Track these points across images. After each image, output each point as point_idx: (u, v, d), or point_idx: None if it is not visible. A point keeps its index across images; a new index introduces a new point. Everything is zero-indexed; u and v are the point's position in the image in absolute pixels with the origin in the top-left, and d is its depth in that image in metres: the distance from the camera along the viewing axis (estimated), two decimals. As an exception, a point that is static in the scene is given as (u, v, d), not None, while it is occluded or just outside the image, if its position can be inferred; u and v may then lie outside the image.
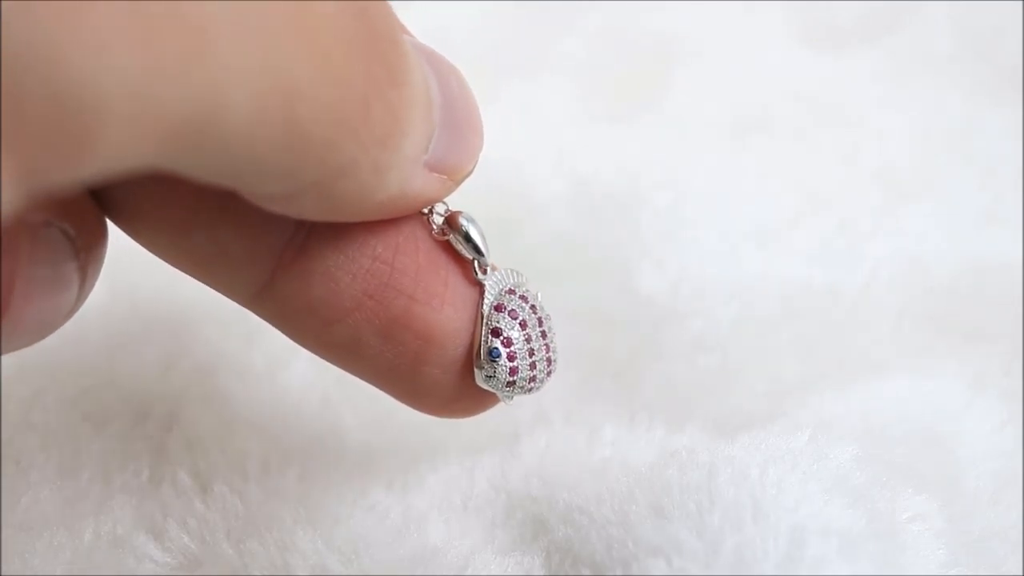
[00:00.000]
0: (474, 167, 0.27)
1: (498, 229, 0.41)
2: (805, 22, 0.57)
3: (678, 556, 0.26)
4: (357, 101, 0.21)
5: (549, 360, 0.29)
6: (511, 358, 0.28)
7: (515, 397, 0.29)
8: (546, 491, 0.34)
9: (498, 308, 0.28)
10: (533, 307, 0.29)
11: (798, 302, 0.41)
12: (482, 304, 0.28)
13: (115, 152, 0.17)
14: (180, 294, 0.38)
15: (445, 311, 0.27)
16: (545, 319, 0.29)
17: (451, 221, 0.27)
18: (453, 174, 0.26)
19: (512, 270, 0.29)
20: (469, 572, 0.30)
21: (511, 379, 0.28)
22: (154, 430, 0.35)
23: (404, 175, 0.24)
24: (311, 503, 0.33)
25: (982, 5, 0.56)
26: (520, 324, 0.28)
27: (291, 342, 0.38)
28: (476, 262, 0.27)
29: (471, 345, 0.28)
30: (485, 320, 0.27)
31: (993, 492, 0.35)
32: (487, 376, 0.28)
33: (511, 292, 0.28)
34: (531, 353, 0.28)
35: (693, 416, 0.38)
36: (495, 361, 0.27)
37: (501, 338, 0.28)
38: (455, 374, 0.28)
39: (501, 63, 0.51)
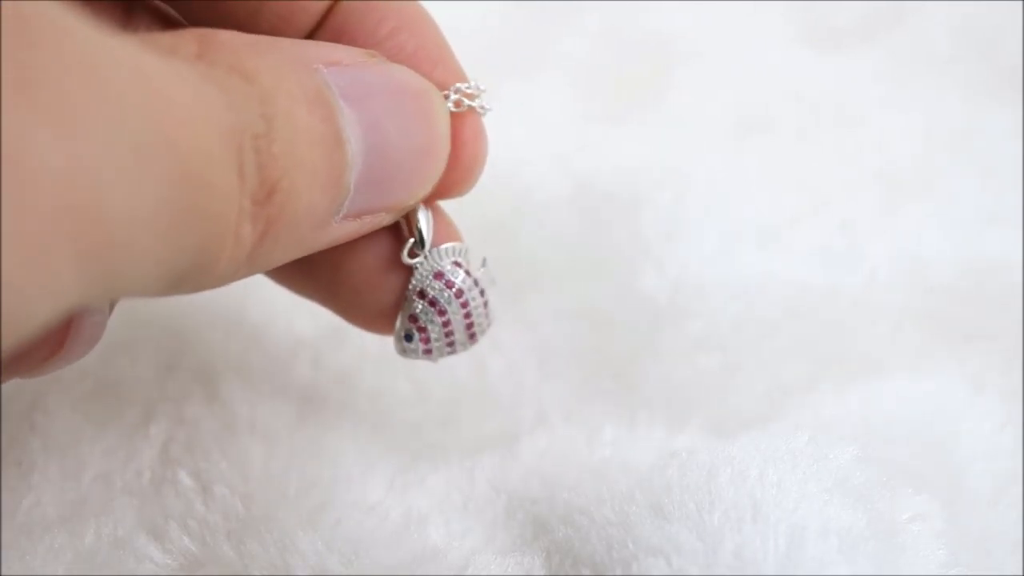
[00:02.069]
0: (427, 190, 0.28)
1: (498, 229, 0.42)
2: (806, 22, 0.57)
3: (678, 556, 0.26)
4: (227, 236, 0.22)
5: (470, 328, 0.31)
6: (425, 341, 0.31)
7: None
8: (546, 491, 0.34)
9: (421, 294, 0.30)
10: (459, 292, 0.30)
11: (798, 302, 0.41)
12: (408, 286, 0.30)
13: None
14: (180, 296, 0.38)
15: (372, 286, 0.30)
16: (468, 292, 0.31)
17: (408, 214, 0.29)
18: (390, 210, 0.27)
19: (455, 247, 0.30)
20: (469, 572, 0.30)
21: (427, 348, 0.31)
22: (155, 432, 0.35)
23: (305, 244, 0.25)
24: (311, 504, 0.33)
25: (983, 5, 0.56)
26: (439, 312, 0.30)
27: (292, 343, 0.39)
28: (408, 246, 0.29)
29: (395, 305, 0.30)
30: (406, 303, 0.30)
31: (993, 492, 0.35)
32: (405, 350, 0.31)
33: (438, 276, 0.30)
34: (448, 334, 0.31)
35: (693, 416, 0.38)
36: (409, 342, 0.31)
37: (417, 325, 0.30)
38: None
39: (500, 63, 0.51)
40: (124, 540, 0.32)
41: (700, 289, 0.40)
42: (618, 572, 0.27)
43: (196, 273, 0.22)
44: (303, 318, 0.39)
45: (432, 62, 0.28)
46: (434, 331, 0.30)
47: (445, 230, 0.30)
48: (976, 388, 0.39)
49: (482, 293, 0.31)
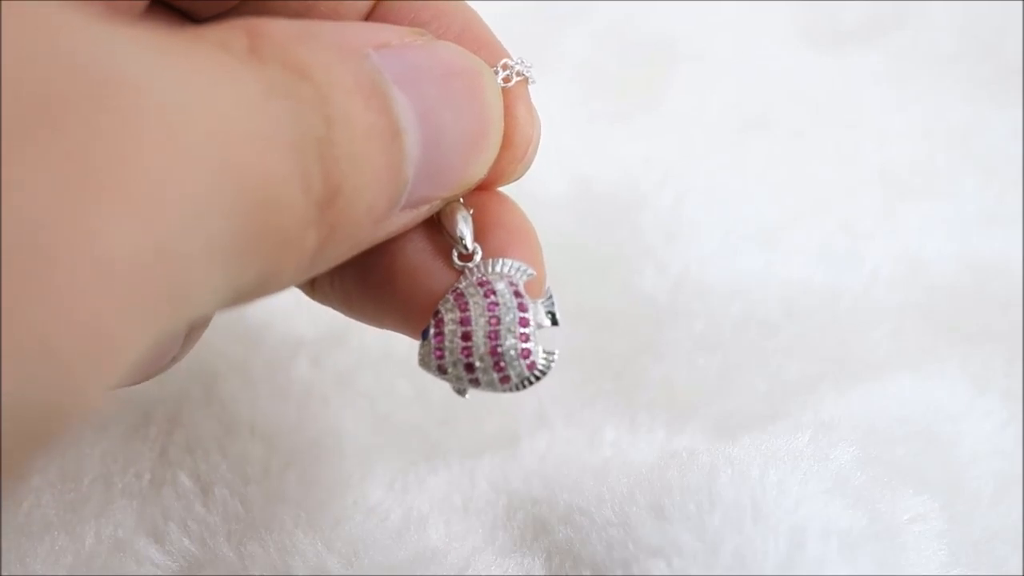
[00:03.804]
0: (482, 173, 0.27)
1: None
2: (807, 22, 0.57)
3: (678, 557, 0.26)
4: (292, 246, 0.22)
5: (494, 339, 0.27)
6: (438, 340, 0.27)
7: (468, 389, 0.28)
8: (547, 492, 0.34)
9: (454, 290, 0.27)
10: (494, 304, 0.27)
11: (799, 302, 0.41)
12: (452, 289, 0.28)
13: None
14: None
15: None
16: (504, 303, 0.27)
17: (442, 215, 0.27)
18: (449, 196, 0.26)
19: (513, 264, 0.28)
20: (470, 573, 0.30)
21: (439, 363, 0.27)
22: (155, 433, 0.35)
23: (365, 239, 0.24)
24: (311, 505, 0.33)
25: (984, 5, 0.56)
26: (460, 307, 0.27)
27: (292, 344, 0.39)
28: (456, 251, 0.28)
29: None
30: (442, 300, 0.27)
31: (994, 492, 0.35)
32: (420, 354, 0.27)
33: (482, 283, 0.27)
34: (465, 336, 0.27)
35: (694, 417, 0.38)
36: (423, 339, 0.27)
37: (436, 318, 0.27)
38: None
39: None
40: (124, 542, 0.32)
41: (701, 289, 0.40)
42: (618, 573, 0.27)
43: (260, 287, 0.22)
44: (303, 318, 0.39)
45: (477, 43, 0.28)
46: (450, 325, 0.27)
47: (529, 254, 0.28)
48: (977, 388, 0.39)
49: (520, 308, 0.27)
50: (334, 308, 0.30)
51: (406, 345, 0.29)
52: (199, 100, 0.19)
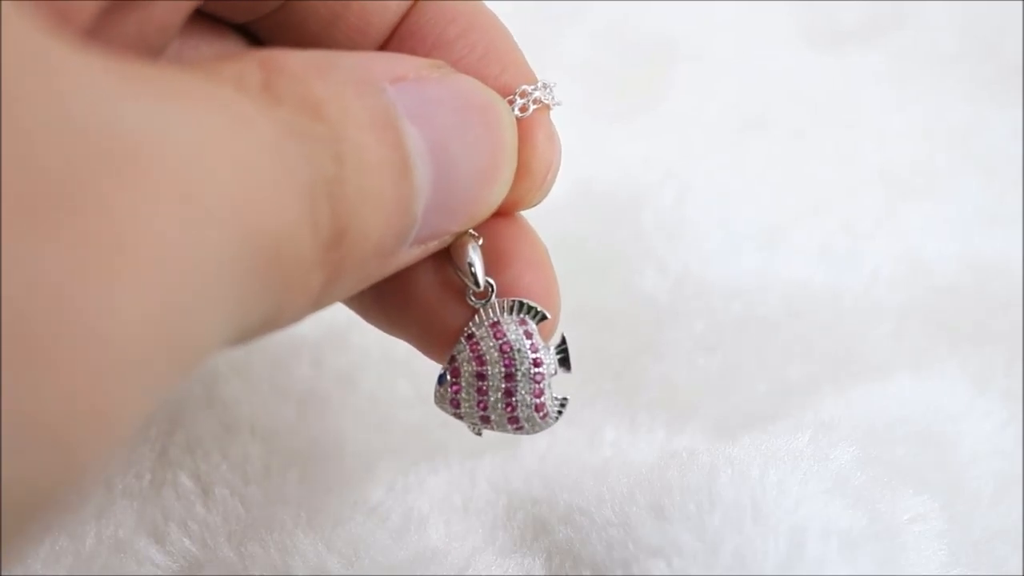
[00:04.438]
0: (493, 208, 0.26)
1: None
2: (808, 22, 0.57)
3: (678, 557, 0.26)
4: (296, 287, 0.21)
5: (509, 396, 0.28)
6: (455, 390, 0.28)
7: (482, 430, 0.29)
8: (547, 492, 0.34)
9: (469, 338, 0.28)
10: (509, 357, 0.28)
11: (800, 302, 0.41)
12: (465, 328, 0.28)
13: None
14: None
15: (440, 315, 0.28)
16: (518, 353, 0.28)
17: (452, 249, 0.27)
18: (458, 230, 0.26)
19: (525, 304, 0.28)
20: (470, 573, 0.30)
21: (456, 411, 0.28)
22: (156, 434, 0.35)
23: (373, 274, 0.24)
24: (312, 505, 0.33)
25: (985, 5, 0.56)
26: (477, 360, 0.28)
27: (292, 344, 0.38)
28: (470, 291, 0.27)
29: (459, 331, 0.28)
30: (456, 344, 0.28)
31: (994, 492, 0.35)
32: (437, 395, 0.28)
33: (497, 334, 0.28)
34: (481, 391, 0.28)
35: (694, 417, 0.38)
36: (440, 385, 0.28)
37: (453, 367, 0.28)
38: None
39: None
40: (125, 542, 0.32)
41: (701, 289, 0.40)
42: (618, 573, 0.27)
43: (264, 326, 0.22)
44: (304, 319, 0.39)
45: (501, 64, 0.27)
46: (467, 377, 0.28)
47: (543, 288, 0.28)
48: (977, 388, 0.39)
49: (535, 364, 0.28)
50: (350, 308, 0.30)
51: (407, 346, 0.29)
52: (211, 153, 0.19)
